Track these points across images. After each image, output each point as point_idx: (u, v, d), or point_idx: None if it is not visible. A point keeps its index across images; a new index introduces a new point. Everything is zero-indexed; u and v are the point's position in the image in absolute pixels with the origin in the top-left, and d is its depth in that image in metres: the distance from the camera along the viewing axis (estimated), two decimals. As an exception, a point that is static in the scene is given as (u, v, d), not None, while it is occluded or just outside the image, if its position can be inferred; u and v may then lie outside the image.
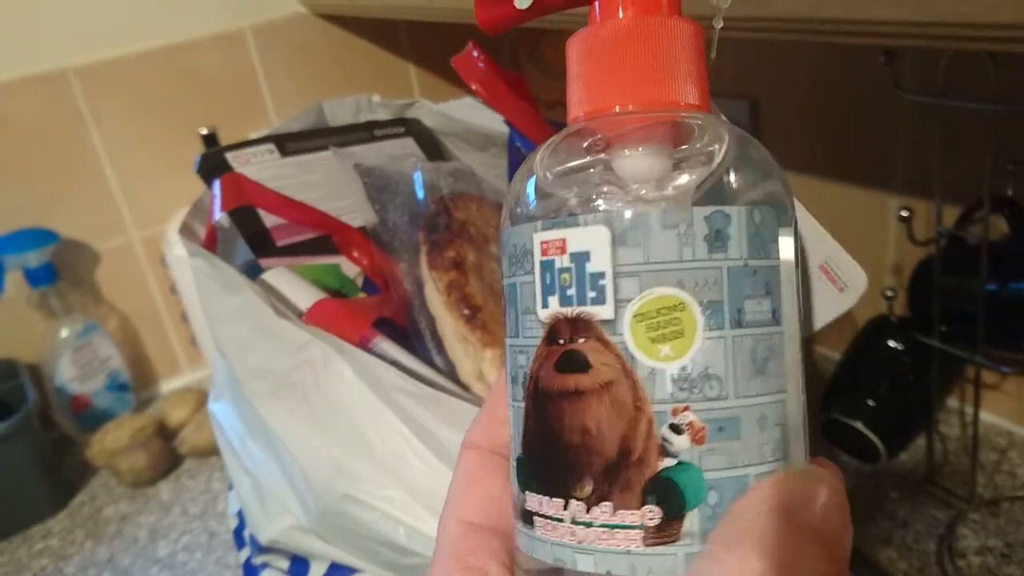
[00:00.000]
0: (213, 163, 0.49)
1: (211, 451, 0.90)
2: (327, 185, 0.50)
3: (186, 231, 0.44)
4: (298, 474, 0.39)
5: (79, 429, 0.97)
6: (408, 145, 0.57)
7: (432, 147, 0.58)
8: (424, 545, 0.35)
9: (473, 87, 0.41)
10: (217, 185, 0.45)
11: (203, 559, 0.78)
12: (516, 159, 0.53)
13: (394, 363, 0.39)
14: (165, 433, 0.94)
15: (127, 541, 0.83)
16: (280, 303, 0.41)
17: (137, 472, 0.89)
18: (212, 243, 0.43)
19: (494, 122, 0.55)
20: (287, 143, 0.52)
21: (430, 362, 0.42)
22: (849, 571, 0.18)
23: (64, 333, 0.94)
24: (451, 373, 0.42)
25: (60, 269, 0.94)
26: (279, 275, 0.43)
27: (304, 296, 0.41)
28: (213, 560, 0.78)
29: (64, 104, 0.94)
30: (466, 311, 0.41)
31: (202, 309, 0.42)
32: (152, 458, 0.90)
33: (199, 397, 0.96)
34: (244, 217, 0.47)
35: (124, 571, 0.78)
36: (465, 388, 0.41)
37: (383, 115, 0.59)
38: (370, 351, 0.39)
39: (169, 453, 0.92)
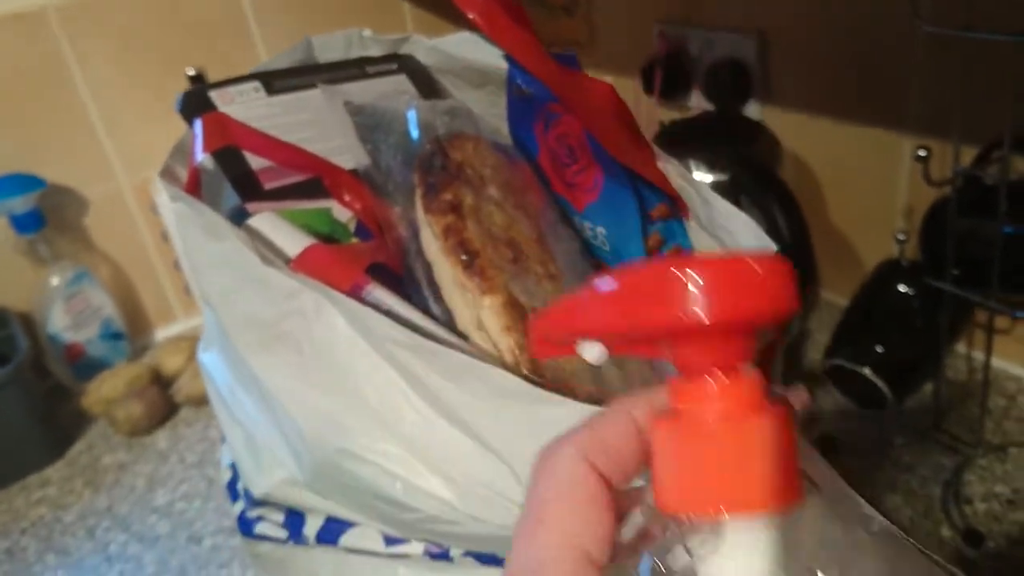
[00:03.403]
0: (196, 102, 0.46)
1: (207, 399, 0.89)
2: (317, 125, 0.48)
3: (167, 174, 0.42)
4: (291, 427, 0.37)
5: (74, 378, 0.96)
6: (402, 83, 0.54)
7: (427, 85, 0.55)
8: (421, 500, 0.34)
9: (471, 16, 0.38)
10: (199, 125, 0.43)
11: (202, 507, 0.78)
12: (515, 97, 0.50)
13: (388, 312, 0.37)
14: (161, 381, 0.93)
15: (125, 490, 0.82)
16: (267, 250, 0.39)
17: (134, 421, 0.88)
18: (195, 187, 0.41)
19: (491, 58, 0.53)
20: (274, 81, 0.49)
21: (427, 310, 0.40)
22: None
23: (55, 281, 0.93)
24: (448, 322, 0.40)
25: (48, 215, 0.92)
26: (266, 220, 0.41)
27: (293, 242, 0.39)
28: (212, 508, 0.77)
29: (45, 45, 0.91)
30: (464, 257, 0.39)
31: (186, 257, 0.40)
32: (148, 407, 0.90)
33: (194, 345, 0.95)
34: (229, 159, 0.44)
35: (123, 519, 0.78)
36: (463, 337, 0.39)
37: (375, 51, 0.56)
38: (363, 299, 0.37)
39: (165, 402, 0.91)
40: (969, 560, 0.58)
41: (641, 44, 0.96)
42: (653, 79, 0.92)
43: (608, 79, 1.11)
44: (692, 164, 0.74)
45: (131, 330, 1.02)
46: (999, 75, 0.51)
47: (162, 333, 1.08)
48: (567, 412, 0.31)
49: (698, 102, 0.92)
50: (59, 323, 0.94)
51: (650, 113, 0.98)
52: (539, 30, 0.45)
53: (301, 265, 0.38)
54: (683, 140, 0.78)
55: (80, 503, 0.81)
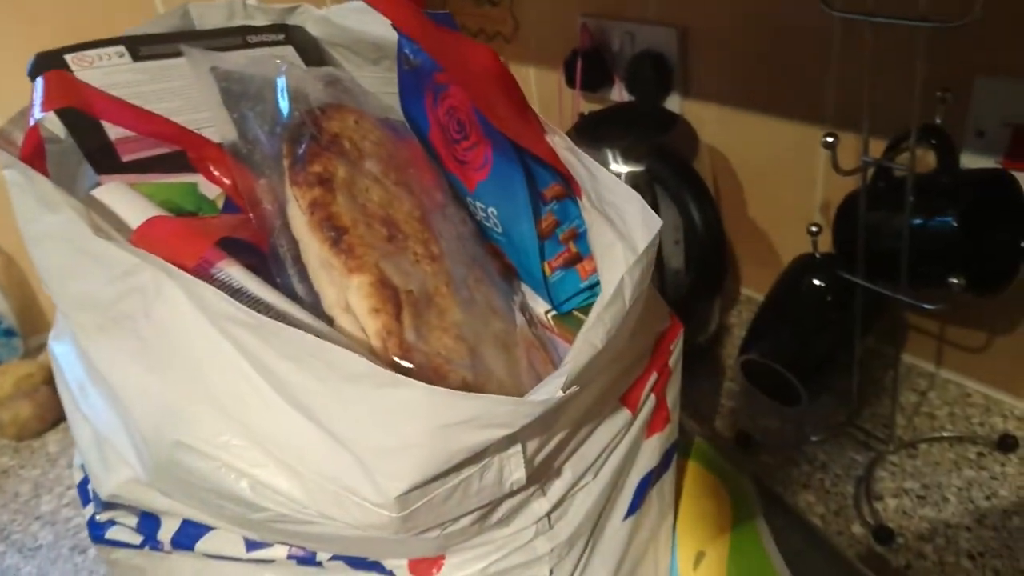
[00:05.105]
0: (48, 65, 0.42)
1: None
2: (185, 95, 0.44)
3: (2, 139, 0.37)
4: (131, 420, 0.34)
5: (-42, 378, 0.89)
6: (288, 55, 0.50)
7: (316, 59, 0.52)
8: (268, 498, 0.31)
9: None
10: (40, 82, 0.39)
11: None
12: (404, 70, 0.47)
13: (240, 291, 0.33)
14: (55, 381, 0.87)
15: (7, 497, 0.76)
16: (109, 223, 0.35)
17: (21, 423, 0.83)
18: (34, 152, 0.36)
19: (384, 29, 0.50)
20: (140, 46, 0.45)
21: (291, 292, 0.37)
22: None
23: (-65, 274, 0.86)
24: (315, 304, 0.36)
25: (-72, 203, 0.85)
26: (112, 191, 0.37)
27: (137, 214, 0.35)
28: (99, 516, 0.72)
29: (-76, 18, 0.84)
30: (331, 233, 0.36)
31: (20, 229, 0.36)
32: (39, 408, 0.84)
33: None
34: (82, 128, 0.40)
35: (2, 529, 0.72)
36: (329, 321, 0.36)
37: (261, 20, 0.53)
38: (211, 277, 0.33)
39: (59, 403, 0.85)
40: (879, 556, 0.56)
41: (565, 37, 0.95)
42: (575, 71, 0.90)
43: (532, 71, 1.08)
44: (609, 154, 0.72)
45: (26, 327, 0.96)
46: (907, 67, 0.50)
47: (60, 331, 1.01)
48: (416, 395, 0.28)
49: (620, 95, 0.90)
50: (-59, 319, 0.87)
51: (573, 105, 0.96)
52: (464, 21, 0.42)
53: (142, 239, 0.34)
54: (601, 130, 0.75)
55: (-47, 512, 0.75)
